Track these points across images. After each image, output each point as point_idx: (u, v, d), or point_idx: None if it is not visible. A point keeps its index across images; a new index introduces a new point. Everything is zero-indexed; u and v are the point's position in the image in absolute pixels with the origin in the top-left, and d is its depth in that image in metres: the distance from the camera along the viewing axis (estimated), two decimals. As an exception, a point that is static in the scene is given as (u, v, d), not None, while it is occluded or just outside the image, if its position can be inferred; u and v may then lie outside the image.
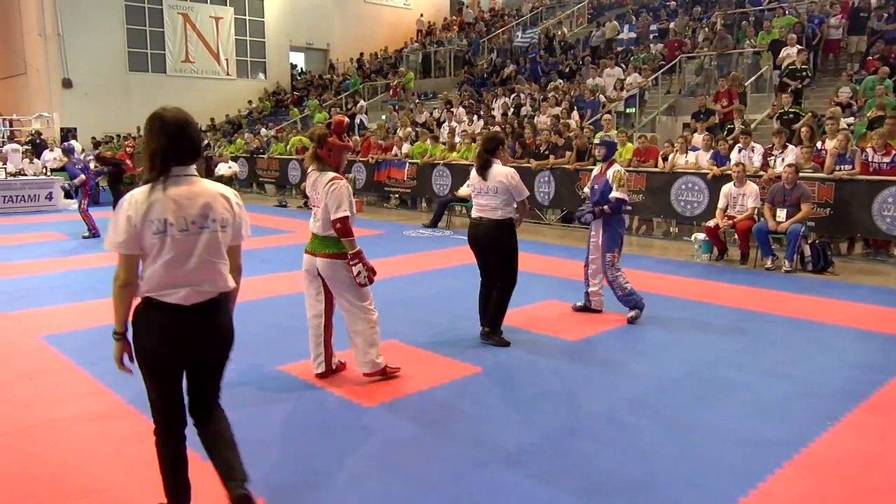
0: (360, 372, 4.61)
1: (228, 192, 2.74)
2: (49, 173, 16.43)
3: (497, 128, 14.98)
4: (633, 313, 6.15)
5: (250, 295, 7.06)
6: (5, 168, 15.53)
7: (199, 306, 2.62)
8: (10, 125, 21.88)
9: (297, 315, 6.29)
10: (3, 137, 20.75)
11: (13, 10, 24.61)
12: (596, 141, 6.44)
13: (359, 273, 4.31)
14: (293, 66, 30.19)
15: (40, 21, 23.22)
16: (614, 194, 6.01)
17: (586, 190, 6.54)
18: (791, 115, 11.33)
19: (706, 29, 17.03)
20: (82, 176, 11.82)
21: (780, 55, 13.61)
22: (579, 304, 6.49)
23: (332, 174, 4.32)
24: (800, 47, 13.33)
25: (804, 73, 12.68)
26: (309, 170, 4.48)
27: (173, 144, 2.57)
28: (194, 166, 2.65)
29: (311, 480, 3.33)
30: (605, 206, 6.05)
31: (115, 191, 11.05)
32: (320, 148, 4.34)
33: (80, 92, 23.75)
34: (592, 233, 6.32)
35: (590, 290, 6.38)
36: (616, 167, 6.16)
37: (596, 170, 6.40)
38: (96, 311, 6.38)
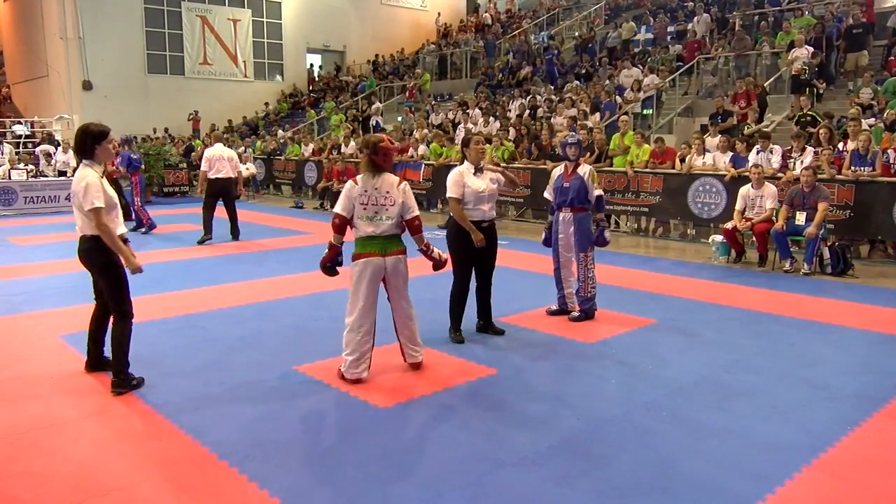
0: (408, 363, 4.85)
1: (85, 177, 4.30)
2: (58, 175, 16.39)
3: (512, 129, 14.97)
4: (578, 314, 6.14)
5: (267, 295, 7.12)
6: (26, 169, 15.72)
7: (80, 239, 4.46)
8: (32, 126, 22.16)
9: (314, 315, 6.35)
10: (24, 139, 21.01)
11: (35, 14, 24.94)
12: (570, 140, 6.19)
13: (440, 254, 4.87)
14: (320, 67, 30.21)
15: (62, 24, 23.51)
16: (596, 192, 6.00)
17: (546, 195, 6.41)
18: (809, 118, 11.22)
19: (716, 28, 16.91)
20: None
21: (789, 56, 13.47)
22: (554, 307, 6.39)
23: (393, 177, 4.58)
24: (810, 49, 13.19)
25: (812, 77, 12.60)
26: (360, 176, 4.58)
27: (77, 146, 4.45)
28: (86, 161, 4.39)
29: (326, 480, 3.34)
30: (600, 214, 6.07)
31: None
32: (375, 154, 4.53)
33: (100, 94, 24.01)
34: (561, 233, 6.22)
35: (566, 291, 6.32)
36: (587, 166, 6.12)
37: (559, 169, 6.30)
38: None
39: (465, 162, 5.54)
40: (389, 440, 3.78)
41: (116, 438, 3.78)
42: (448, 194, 5.44)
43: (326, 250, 4.69)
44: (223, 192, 10.75)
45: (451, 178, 5.44)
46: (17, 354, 5.18)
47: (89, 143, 4.38)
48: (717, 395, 4.46)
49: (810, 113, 11.32)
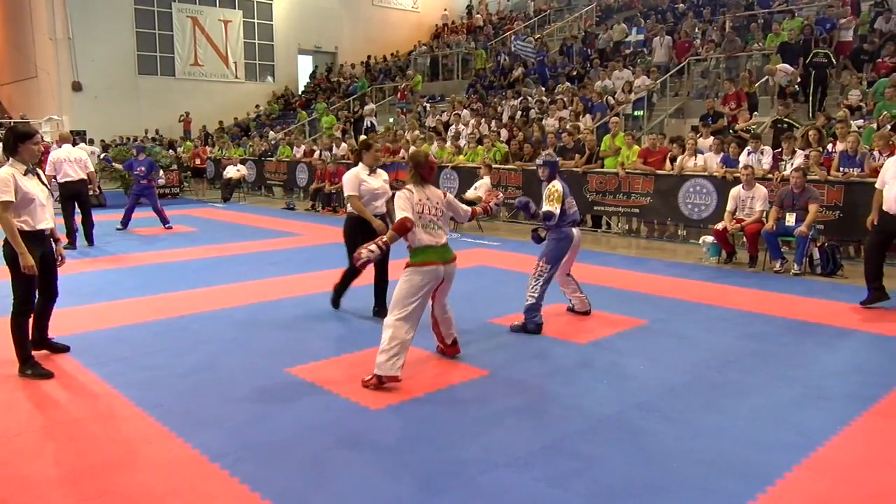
0: (448, 344, 5.13)
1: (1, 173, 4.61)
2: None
3: (504, 130, 14.98)
4: (518, 324, 5.97)
5: (258, 297, 7.10)
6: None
7: None
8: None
9: (305, 318, 6.34)
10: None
11: (24, 15, 24.80)
12: (538, 162, 6.27)
13: (493, 207, 5.39)
14: (317, 68, 30.09)
15: (51, 25, 23.39)
16: (544, 208, 5.97)
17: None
18: (785, 125, 11.29)
19: (716, 31, 16.96)
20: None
21: (772, 68, 13.60)
22: (569, 305, 6.54)
23: (437, 189, 4.88)
24: (792, 68, 13.33)
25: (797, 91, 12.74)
26: (411, 186, 4.72)
27: (3, 144, 4.76)
28: (12, 159, 4.69)
29: (318, 483, 3.34)
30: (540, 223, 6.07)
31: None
32: (423, 168, 4.79)
33: (90, 95, 23.90)
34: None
35: (568, 295, 6.41)
36: (552, 184, 6.05)
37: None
38: (106, 314, 6.43)
39: (360, 164, 6.18)
40: (382, 442, 3.78)
41: (108, 441, 3.76)
42: (347, 192, 6.13)
43: (377, 248, 4.51)
44: (75, 195, 10.21)
45: (348, 178, 6.15)
46: (10, 356, 5.15)
47: (11, 141, 4.72)
48: (709, 395, 4.48)
49: (787, 120, 11.39)
